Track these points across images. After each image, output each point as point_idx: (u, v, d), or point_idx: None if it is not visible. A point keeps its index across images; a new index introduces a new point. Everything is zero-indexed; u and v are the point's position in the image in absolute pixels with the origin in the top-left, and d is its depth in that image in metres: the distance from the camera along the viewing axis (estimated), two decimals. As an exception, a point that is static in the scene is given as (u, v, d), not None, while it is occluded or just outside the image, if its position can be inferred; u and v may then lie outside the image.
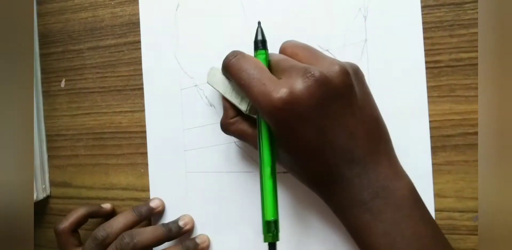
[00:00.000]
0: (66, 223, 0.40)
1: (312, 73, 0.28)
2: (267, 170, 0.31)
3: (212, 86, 0.36)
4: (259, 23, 0.34)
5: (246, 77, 0.30)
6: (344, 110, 0.29)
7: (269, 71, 0.31)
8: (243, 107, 0.34)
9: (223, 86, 0.35)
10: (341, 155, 0.29)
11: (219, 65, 0.34)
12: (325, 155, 0.29)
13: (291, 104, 0.28)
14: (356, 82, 0.30)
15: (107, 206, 0.43)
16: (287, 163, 0.32)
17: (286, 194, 0.37)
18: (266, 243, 0.30)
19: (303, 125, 0.29)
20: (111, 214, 0.43)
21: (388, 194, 0.29)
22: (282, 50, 0.33)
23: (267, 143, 0.31)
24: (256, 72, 0.30)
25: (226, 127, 0.35)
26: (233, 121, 0.35)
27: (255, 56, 0.34)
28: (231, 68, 0.32)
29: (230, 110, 0.35)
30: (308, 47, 0.33)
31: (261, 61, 0.32)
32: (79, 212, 0.40)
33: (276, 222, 0.30)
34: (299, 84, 0.28)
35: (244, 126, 0.34)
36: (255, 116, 0.34)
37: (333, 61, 0.30)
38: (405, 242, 0.28)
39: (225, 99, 0.35)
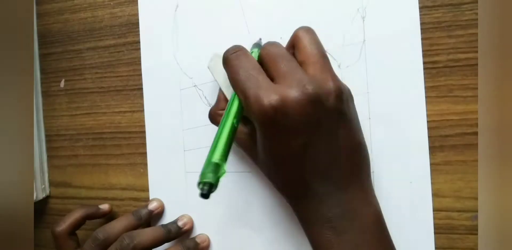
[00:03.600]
0: (63, 226, 0.39)
1: (308, 88, 0.28)
2: (229, 120, 0.29)
3: (211, 73, 0.36)
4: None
5: (243, 75, 0.30)
6: (331, 131, 0.29)
7: (265, 74, 0.30)
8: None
9: (223, 77, 0.34)
10: (320, 172, 0.29)
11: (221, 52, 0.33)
12: (304, 169, 0.29)
13: (280, 113, 0.28)
14: (346, 105, 0.30)
15: (104, 206, 0.42)
16: (266, 168, 0.32)
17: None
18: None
19: (288, 136, 0.28)
20: (110, 215, 0.43)
21: (355, 217, 0.29)
22: (296, 37, 0.32)
23: (235, 105, 0.31)
24: (254, 73, 0.30)
25: (214, 117, 0.35)
26: (222, 113, 0.33)
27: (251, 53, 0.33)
28: (230, 62, 0.31)
29: (223, 102, 0.35)
30: (321, 50, 0.31)
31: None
32: (76, 214, 0.40)
33: (218, 167, 0.26)
34: (292, 95, 0.28)
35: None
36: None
37: (333, 78, 0.30)
38: None
39: (221, 89, 0.35)
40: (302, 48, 0.31)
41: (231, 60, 0.31)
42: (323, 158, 0.29)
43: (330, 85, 0.29)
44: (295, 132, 0.28)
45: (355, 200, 0.30)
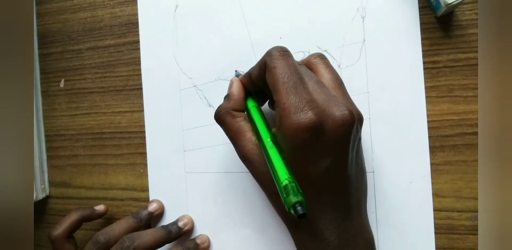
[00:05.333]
0: (60, 230, 0.39)
1: (345, 110, 0.27)
2: (268, 141, 0.28)
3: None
4: None
5: (291, 79, 0.28)
6: (351, 156, 0.29)
7: (308, 84, 0.29)
8: None
9: None
10: (333, 198, 0.29)
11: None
12: (320, 193, 0.29)
13: (317, 132, 0.26)
14: (361, 131, 0.30)
15: (100, 208, 0.42)
16: (272, 187, 0.28)
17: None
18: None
19: (317, 157, 0.27)
20: (110, 215, 0.43)
21: (352, 246, 0.29)
22: (311, 64, 0.32)
23: (259, 118, 0.31)
24: (302, 81, 0.28)
25: (224, 116, 0.32)
26: (236, 114, 0.32)
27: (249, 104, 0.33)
28: (277, 61, 0.29)
29: (240, 101, 0.32)
30: (338, 75, 0.32)
31: None
32: (72, 218, 0.40)
33: (295, 185, 0.25)
34: (332, 115, 0.27)
35: (245, 126, 0.31)
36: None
37: (354, 103, 0.30)
38: None
39: (241, 87, 0.33)
40: (320, 73, 0.31)
41: (279, 58, 0.29)
42: (340, 183, 0.29)
43: (357, 110, 0.29)
44: (325, 154, 0.27)
45: (355, 227, 0.30)
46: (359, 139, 0.30)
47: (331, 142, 0.27)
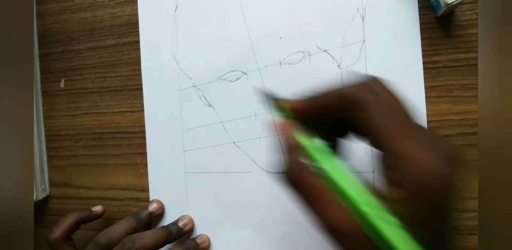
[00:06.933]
0: (57, 233, 0.39)
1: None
2: (369, 210, 0.21)
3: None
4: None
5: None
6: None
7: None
8: None
9: None
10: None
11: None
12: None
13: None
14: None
15: (97, 209, 0.41)
16: None
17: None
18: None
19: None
20: (110, 215, 0.43)
21: None
22: (377, 92, 0.24)
23: (339, 172, 0.23)
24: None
25: (298, 174, 0.23)
26: (313, 170, 0.23)
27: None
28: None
29: (304, 148, 0.24)
30: (403, 109, 0.23)
31: None
32: (69, 220, 0.40)
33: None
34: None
35: (314, 179, 0.23)
36: None
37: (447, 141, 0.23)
38: None
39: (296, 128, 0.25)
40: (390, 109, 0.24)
41: (380, 93, 0.23)
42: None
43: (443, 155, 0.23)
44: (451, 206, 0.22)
45: None
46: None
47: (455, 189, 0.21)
